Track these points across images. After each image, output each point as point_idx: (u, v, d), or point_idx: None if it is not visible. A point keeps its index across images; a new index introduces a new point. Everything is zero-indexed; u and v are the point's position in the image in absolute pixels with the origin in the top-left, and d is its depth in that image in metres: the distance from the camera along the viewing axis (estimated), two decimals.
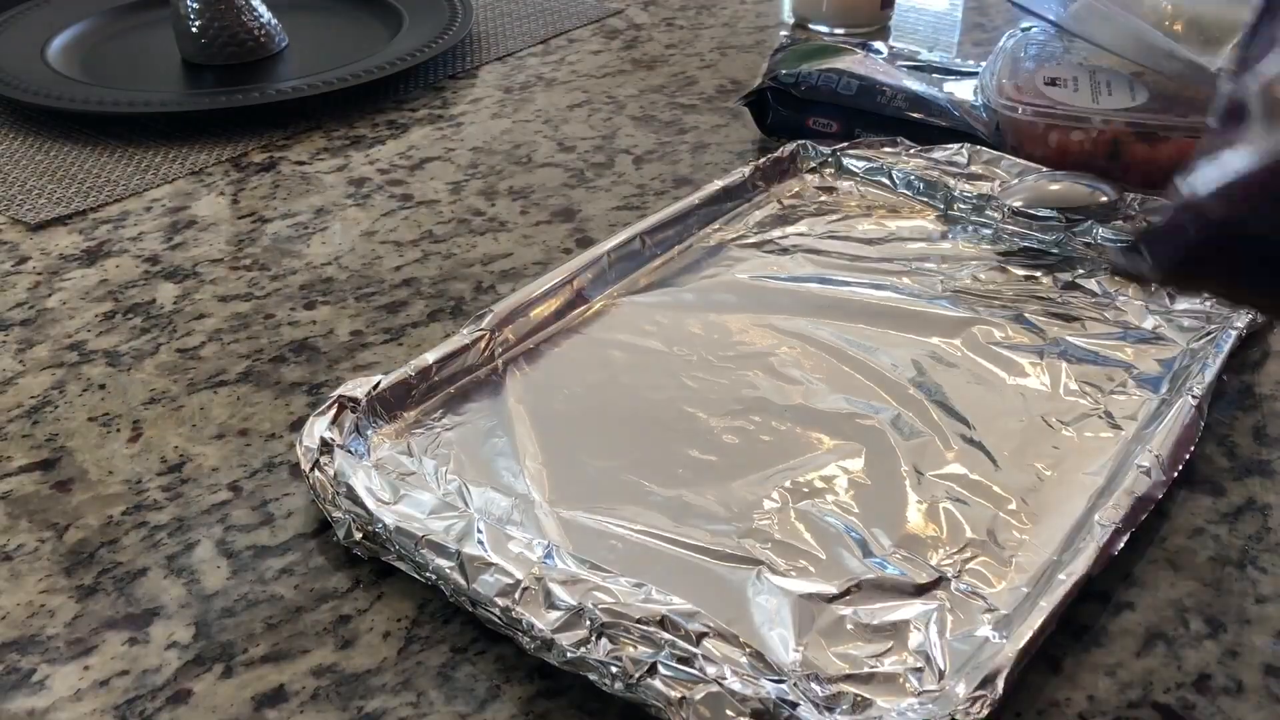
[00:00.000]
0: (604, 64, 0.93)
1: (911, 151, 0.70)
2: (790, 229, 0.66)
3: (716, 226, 0.66)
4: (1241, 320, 0.54)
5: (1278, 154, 0.34)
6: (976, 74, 0.81)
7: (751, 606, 0.41)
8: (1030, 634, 0.38)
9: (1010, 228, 0.64)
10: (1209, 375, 0.49)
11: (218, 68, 0.89)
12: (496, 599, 0.39)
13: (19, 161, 0.77)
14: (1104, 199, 0.63)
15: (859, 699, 0.37)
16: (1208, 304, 0.58)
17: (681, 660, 0.36)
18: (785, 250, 0.63)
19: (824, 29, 0.97)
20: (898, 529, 0.44)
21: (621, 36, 0.98)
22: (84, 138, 0.80)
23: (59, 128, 0.82)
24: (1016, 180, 0.66)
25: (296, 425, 0.52)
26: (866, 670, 0.39)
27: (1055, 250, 0.63)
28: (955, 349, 0.55)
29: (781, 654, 0.39)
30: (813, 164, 0.71)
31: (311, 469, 0.45)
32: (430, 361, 0.52)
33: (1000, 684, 0.36)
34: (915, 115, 0.73)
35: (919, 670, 0.39)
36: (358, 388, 0.49)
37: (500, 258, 0.65)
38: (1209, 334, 0.54)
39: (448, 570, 0.41)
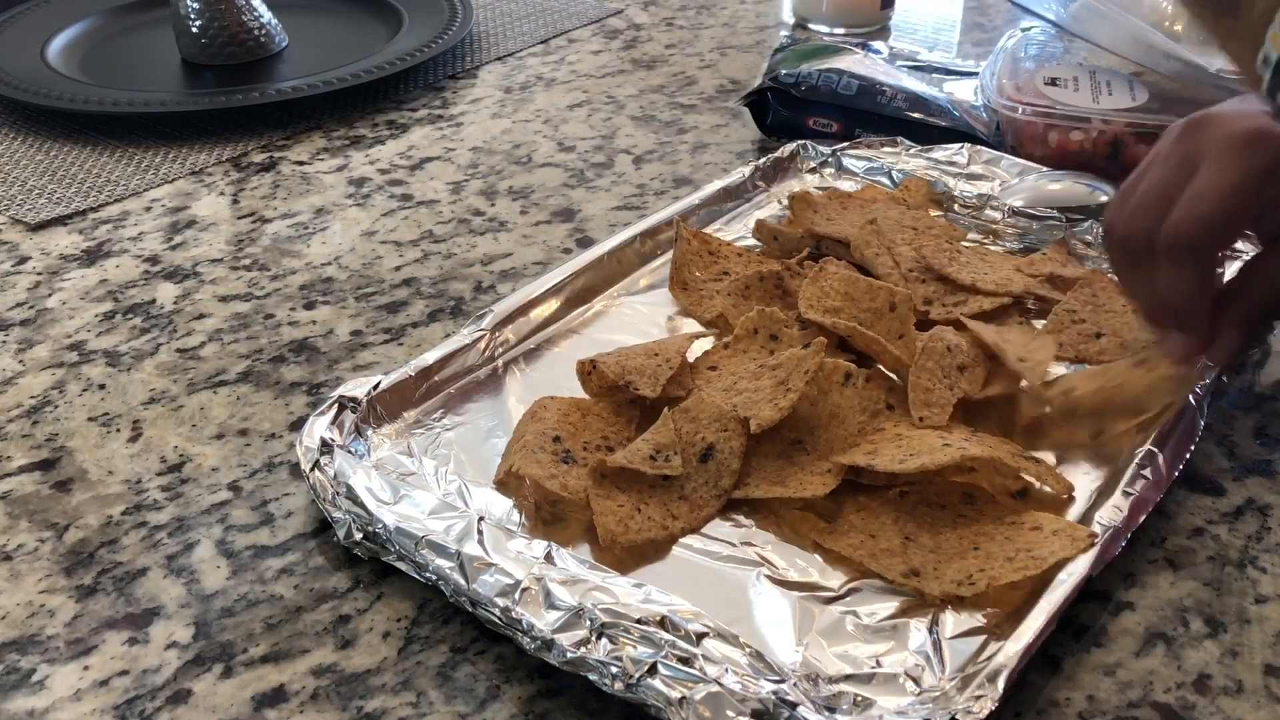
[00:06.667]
0: (604, 64, 0.93)
1: (911, 151, 0.70)
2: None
3: (717, 227, 0.66)
4: None
5: None
6: (976, 74, 0.82)
7: (751, 606, 0.41)
8: (1030, 634, 0.38)
9: (1010, 228, 0.64)
10: (1209, 375, 0.49)
11: (218, 68, 0.89)
12: (496, 599, 0.39)
13: (19, 161, 0.77)
14: (1104, 199, 0.63)
15: (859, 699, 0.37)
16: None
17: (681, 660, 0.36)
18: None
19: (824, 29, 0.97)
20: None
21: (621, 36, 0.98)
22: (84, 138, 0.80)
23: (59, 128, 0.82)
24: (1016, 180, 0.66)
25: (296, 425, 0.52)
26: (866, 670, 0.39)
27: None
28: None
29: (781, 654, 0.39)
30: (813, 164, 0.71)
31: (311, 469, 0.45)
32: (430, 361, 0.52)
33: (1000, 684, 0.36)
34: (915, 115, 0.73)
35: (919, 670, 0.39)
36: (358, 388, 0.49)
37: (500, 258, 0.65)
38: None
39: (448, 570, 0.41)
